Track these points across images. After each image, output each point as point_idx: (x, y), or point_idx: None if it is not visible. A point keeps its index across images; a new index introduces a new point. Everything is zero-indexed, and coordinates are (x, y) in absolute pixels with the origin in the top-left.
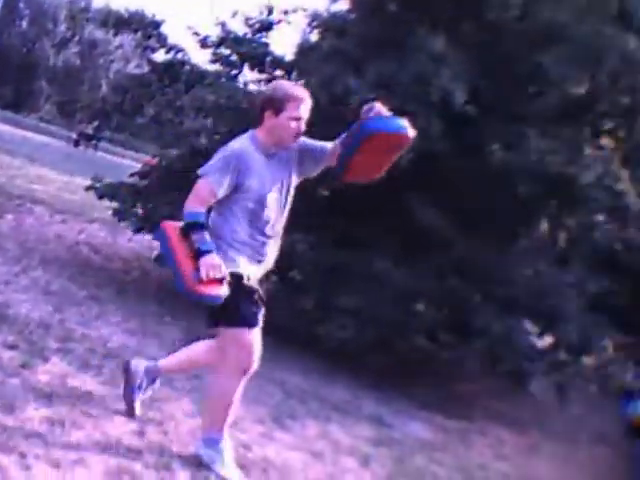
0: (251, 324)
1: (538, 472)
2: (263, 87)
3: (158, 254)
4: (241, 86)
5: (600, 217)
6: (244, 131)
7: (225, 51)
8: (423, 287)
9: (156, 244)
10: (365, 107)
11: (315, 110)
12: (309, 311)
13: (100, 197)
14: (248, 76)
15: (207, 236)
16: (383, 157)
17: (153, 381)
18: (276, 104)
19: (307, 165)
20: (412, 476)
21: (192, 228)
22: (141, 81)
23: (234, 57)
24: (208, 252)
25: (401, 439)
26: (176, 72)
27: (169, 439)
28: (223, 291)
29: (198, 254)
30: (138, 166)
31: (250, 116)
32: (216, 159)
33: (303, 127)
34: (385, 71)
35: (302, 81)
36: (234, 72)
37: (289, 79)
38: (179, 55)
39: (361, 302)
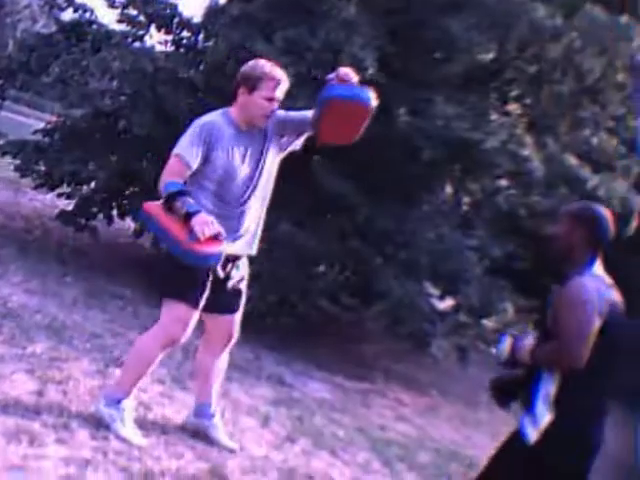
0: (189, 301)
1: (437, 433)
2: (169, 48)
3: (60, 211)
4: (147, 48)
5: (503, 182)
6: (149, 93)
7: (132, 11)
8: (326, 250)
9: (59, 202)
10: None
11: (222, 75)
12: None
13: (3, 154)
14: (155, 37)
15: (190, 199)
16: (349, 122)
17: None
18: (251, 82)
19: (289, 137)
20: (311, 436)
21: (173, 197)
22: (48, 40)
23: (141, 17)
24: (197, 212)
25: (301, 399)
26: (83, 31)
27: (68, 399)
28: (221, 248)
29: (187, 217)
30: (42, 125)
31: (154, 79)
32: (186, 134)
33: (276, 107)
34: (294, 37)
35: (209, 44)
36: (141, 33)
37: (196, 41)
38: (87, 14)
39: (264, 264)
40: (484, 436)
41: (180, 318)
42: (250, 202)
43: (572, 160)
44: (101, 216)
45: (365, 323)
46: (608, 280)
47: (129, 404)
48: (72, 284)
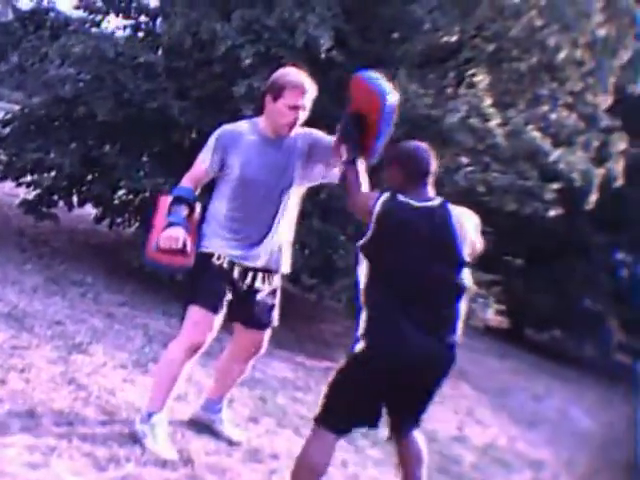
0: (207, 304)
1: None
2: (127, 33)
3: (22, 200)
4: (107, 33)
5: (464, 159)
6: (110, 78)
7: None
8: None
9: (18, 191)
10: None
11: (180, 57)
12: None
13: None
14: (113, 22)
15: (182, 210)
16: (367, 117)
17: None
18: (275, 90)
19: (317, 166)
20: (275, 416)
21: (173, 202)
22: (5, 28)
23: (99, 3)
24: (175, 224)
25: (263, 379)
26: (41, 19)
27: (31, 386)
28: (184, 262)
29: (168, 225)
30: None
31: (115, 63)
32: (209, 139)
33: (301, 117)
34: (251, 16)
35: (166, 27)
36: (99, 18)
37: (154, 26)
38: (45, 2)
39: None
40: (447, 410)
41: (196, 321)
42: (273, 216)
43: (535, 133)
44: (61, 203)
45: (325, 302)
46: None
47: (161, 418)
48: (32, 272)
